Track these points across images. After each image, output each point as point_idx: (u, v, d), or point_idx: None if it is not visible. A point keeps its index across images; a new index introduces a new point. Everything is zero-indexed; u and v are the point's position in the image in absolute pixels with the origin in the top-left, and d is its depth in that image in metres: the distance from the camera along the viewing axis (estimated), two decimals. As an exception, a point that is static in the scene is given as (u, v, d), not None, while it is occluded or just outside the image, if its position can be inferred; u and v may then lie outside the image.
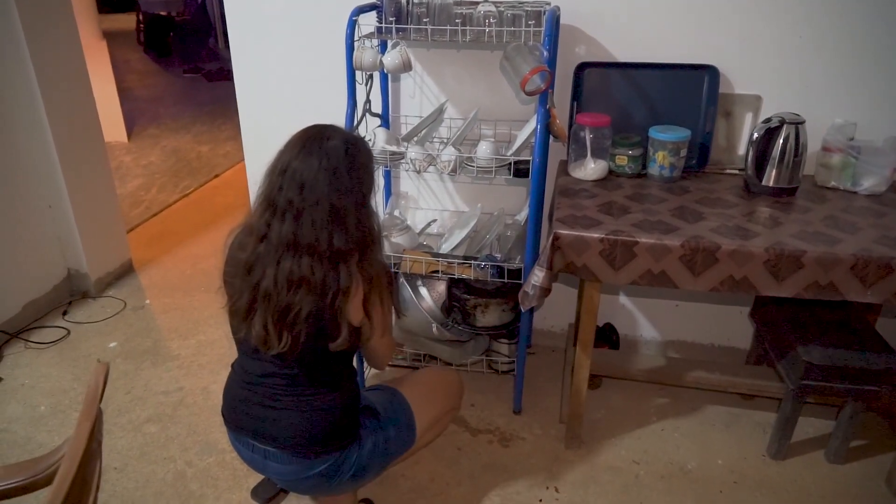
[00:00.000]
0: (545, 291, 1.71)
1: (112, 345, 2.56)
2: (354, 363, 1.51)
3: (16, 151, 2.54)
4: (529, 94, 1.73)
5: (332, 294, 1.28)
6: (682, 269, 1.63)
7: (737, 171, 2.02)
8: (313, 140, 1.29)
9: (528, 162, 1.83)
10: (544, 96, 1.76)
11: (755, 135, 1.84)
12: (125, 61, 8.63)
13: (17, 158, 2.55)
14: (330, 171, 1.26)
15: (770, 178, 1.86)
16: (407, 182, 2.37)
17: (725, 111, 2.03)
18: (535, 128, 1.78)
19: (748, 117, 2.03)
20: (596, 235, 1.64)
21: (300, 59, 2.27)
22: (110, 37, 5.09)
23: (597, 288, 1.77)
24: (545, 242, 1.69)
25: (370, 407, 1.53)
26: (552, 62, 2.03)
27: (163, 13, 9.51)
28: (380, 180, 2.32)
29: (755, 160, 1.86)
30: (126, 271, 3.11)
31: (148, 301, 2.89)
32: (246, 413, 1.43)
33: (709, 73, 1.95)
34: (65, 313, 2.75)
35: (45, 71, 2.50)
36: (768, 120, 1.83)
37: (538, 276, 1.70)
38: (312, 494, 1.76)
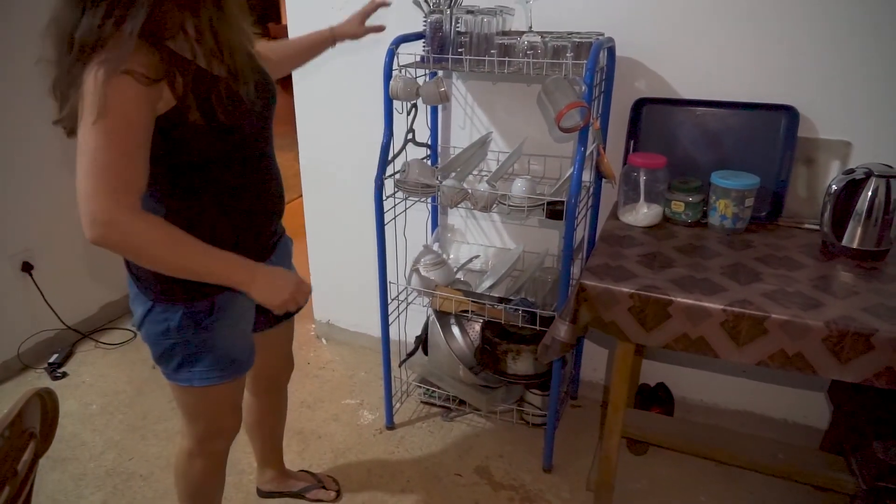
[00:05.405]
0: (567, 346, 1.56)
1: (169, 352, 2.67)
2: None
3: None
4: (566, 130, 1.60)
5: None
6: (724, 338, 1.41)
7: (817, 227, 1.75)
8: None
9: (563, 203, 1.70)
10: (583, 133, 1.62)
11: (833, 187, 1.59)
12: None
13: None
14: None
15: (853, 237, 1.60)
16: (456, 215, 2.29)
17: (807, 158, 1.78)
18: (573, 167, 1.65)
19: (835, 165, 1.77)
20: (626, 290, 1.47)
21: (353, 91, 2.27)
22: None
23: (629, 348, 1.59)
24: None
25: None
26: (607, 97, 1.89)
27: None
28: (426, 212, 2.26)
29: (833, 216, 1.60)
30: (200, 281, 3.25)
31: (212, 312, 3.00)
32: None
33: (786, 114, 1.72)
34: (136, 317, 2.92)
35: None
36: (851, 171, 1.57)
37: (560, 329, 1.55)
38: None
